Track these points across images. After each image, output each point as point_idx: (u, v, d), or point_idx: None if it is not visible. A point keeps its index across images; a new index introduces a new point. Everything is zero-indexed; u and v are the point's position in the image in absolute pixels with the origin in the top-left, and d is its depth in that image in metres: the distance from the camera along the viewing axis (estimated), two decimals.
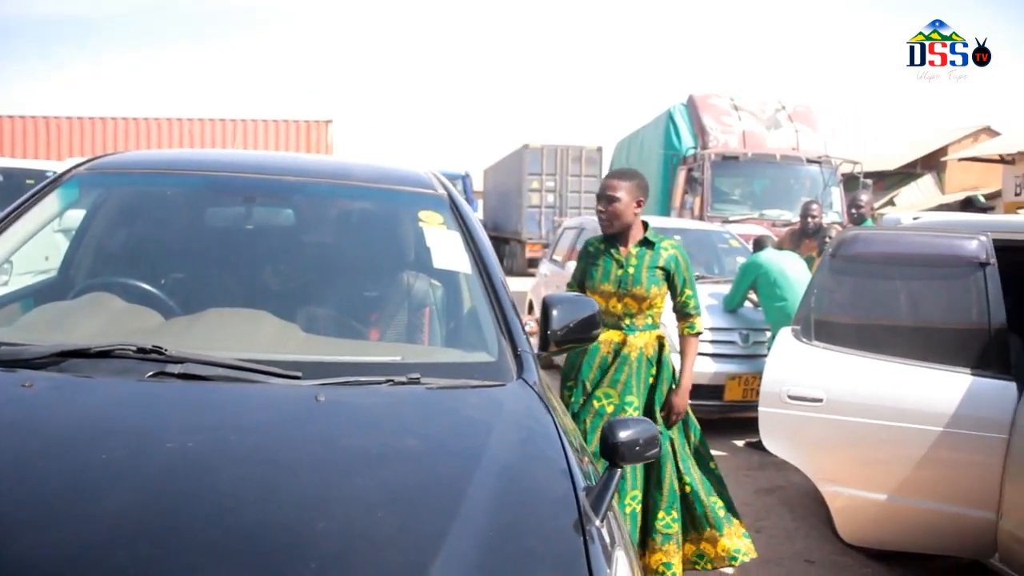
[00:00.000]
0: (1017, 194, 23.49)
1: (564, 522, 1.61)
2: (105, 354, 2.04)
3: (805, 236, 7.58)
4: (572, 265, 7.74)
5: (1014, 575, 3.48)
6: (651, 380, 3.63)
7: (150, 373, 1.97)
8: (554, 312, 2.54)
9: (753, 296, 6.49)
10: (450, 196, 3.02)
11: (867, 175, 13.72)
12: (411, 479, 1.70)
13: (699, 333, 3.74)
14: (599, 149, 23.56)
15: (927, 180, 26.91)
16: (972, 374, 3.58)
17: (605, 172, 20.67)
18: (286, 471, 1.66)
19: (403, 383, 2.07)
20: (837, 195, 12.83)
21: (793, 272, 6.12)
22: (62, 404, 1.91)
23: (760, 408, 3.81)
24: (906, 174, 27.00)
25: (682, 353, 3.73)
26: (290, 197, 2.97)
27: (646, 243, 3.66)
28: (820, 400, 3.64)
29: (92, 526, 1.45)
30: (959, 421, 3.52)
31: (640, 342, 3.61)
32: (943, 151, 26.75)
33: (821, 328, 3.79)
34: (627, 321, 3.61)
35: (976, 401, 3.53)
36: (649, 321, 3.64)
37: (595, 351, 3.59)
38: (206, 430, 1.80)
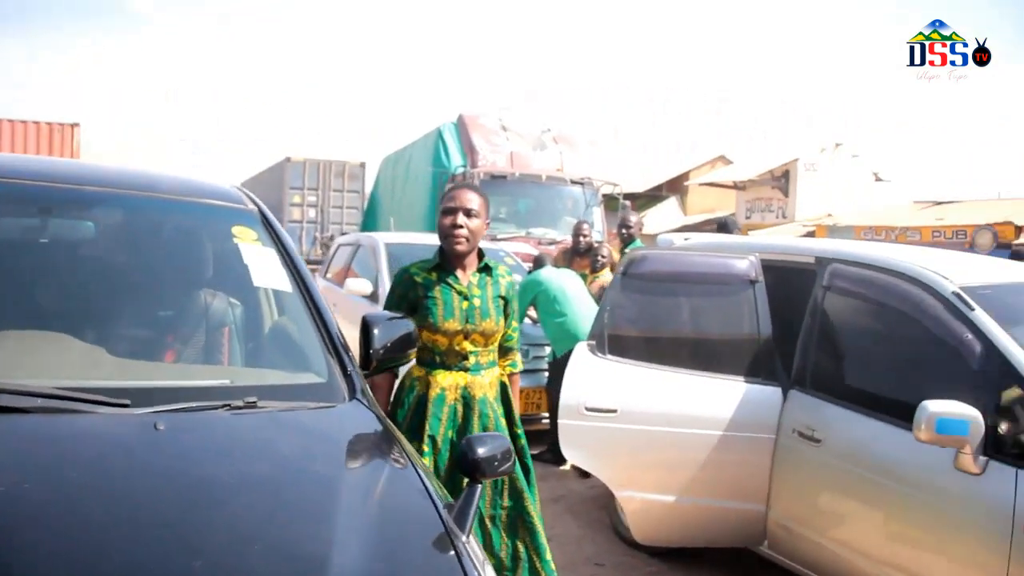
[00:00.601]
0: (747, 217, 25.87)
1: (434, 540, 1.64)
2: None
3: (577, 254, 7.96)
4: (354, 284, 7.70)
5: (780, 558, 3.85)
6: (499, 424, 3.23)
7: None
8: (376, 331, 2.54)
9: (532, 313, 6.72)
10: (260, 211, 2.94)
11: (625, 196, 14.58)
12: (276, 507, 1.66)
13: (519, 370, 3.46)
14: (362, 165, 23.41)
15: (671, 202, 29.00)
16: (745, 381, 3.93)
17: (369, 188, 20.74)
18: (145, 507, 1.57)
19: (240, 407, 2.00)
20: (599, 215, 13.56)
21: (572, 289, 6.40)
22: None
23: (560, 420, 3.98)
24: (652, 196, 28.97)
25: (513, 394, 3.39)
26: (91, 209, 2.77)
27: (485, 269, 3.25)
28: (614, 411, 3.85)
29: None
30: (734, 425, 3.85)
31: (487, 381, 3.19)
32: (685, 176, 28.97)
33: (614, 343, 4.02)
34: (473, 360, 3.15)
35: (748, 406, 3.87)
36: (492, 358, 3.24)
37: (440, 401, 3.12)
38: (42, 468, 1.66)
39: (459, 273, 3.19)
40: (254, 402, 2.03)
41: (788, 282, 4.12)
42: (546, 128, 14.17)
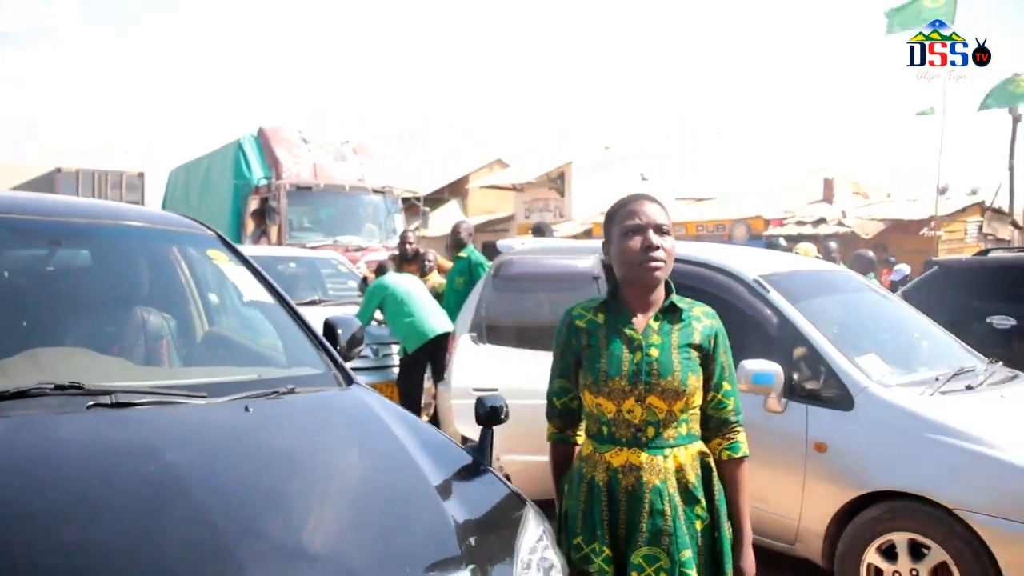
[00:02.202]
0: (527, 217, 27.39)
1: (469, 465, 2.43)
2: (22, 394, 2.28)
3: (404, 261, 8.67)
4: None
5: None
6: (699, 523, 2.30)
7: (88, 404, 2.28)
8: (340, 331, 3.20)
9: (378, 315, 7.37)
10: (217, 234, 3.49)
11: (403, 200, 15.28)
12: (362, 451, 2.36)
13: (746, 456, 2.41)
14: (141, 175, 22.74)
15: (453, 205, 30.11)
16: None
17: (149, 199, 20.26)
18: (280, 462, 2.21)
19: (286, 393, 2.62)
20: (400, 221, 14.28)
21: (416, 291, 7.13)
22: (40, 439, 2.16)
23: (452, 401, 4.71)
24: (435, 199, 29.98)
25: (730, 488, 2.39)
26: (88, 240, 3.21)
27: (672, 310, 2.36)
28: (496, 389, 4.63)
29: (169, 505, 1.88)
30: None
31: (671, 465, 2.28)
32: (466, 179, 30.18)
33: (491, 332, 4.81)
34: (651, 433, 2.27)
35: None
36: (685, 431, 2.32)
37: (615, 483, 2.28)
38: (192, 444, 2.22)
39: (638, 316, 2.35)
40: (293, 389, 2.65)
41: None
42: (345, 140, 14.72)
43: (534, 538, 2.21)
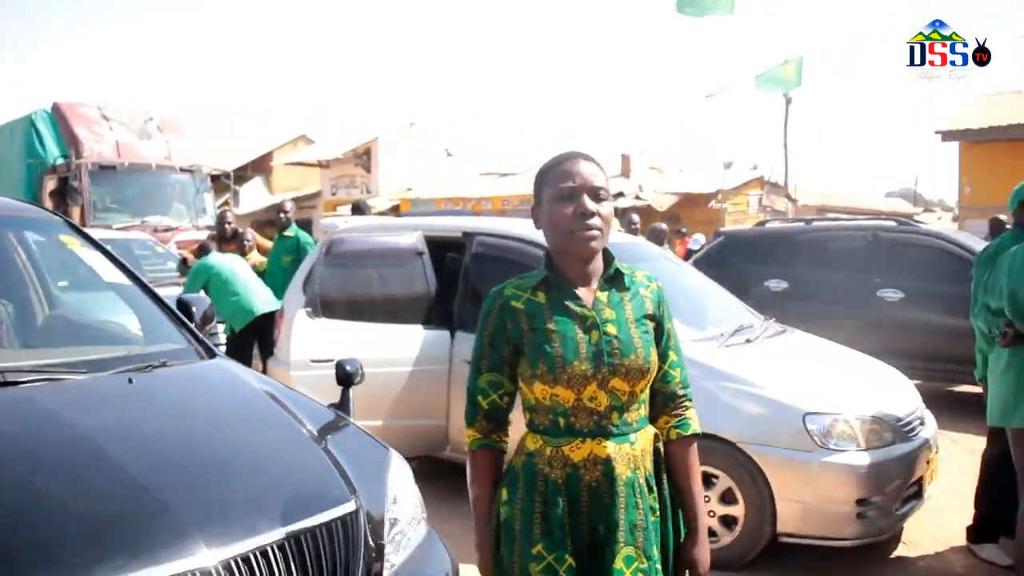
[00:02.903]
0: (333, 193, 27.27)
1: (332, 420, 2.76)
2: None
3: (224, 240, 8.70)
4: None
5: (462, 456, 5.21)
6: (653, 516, 2.02)
7: None
8: (194, 309, 3.44)
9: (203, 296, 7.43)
10: (64, 219, 3.62)
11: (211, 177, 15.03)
12: (254, 416, 2.65)
13: (699, 434, 2.15)
14: None
15: (257, 182, 29.48)
16: (424, 328, 5.21)
17: None
18: (178, 422, 2.47)
19: (160, 366, 2.85)
20: (209, 200, 14.05)
21: (241, 271, 7.25)
22: None
23: (292, 373, 4.95)
24: (238, 176, 29.26)
25: (680, 472, 2.10)
26: None
27: (616, 278, 2.09)
28: (331, 360, 4.92)
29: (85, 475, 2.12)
30: (419, 361, 5.12)
31: (638, 450, 2.01)
32: (270, 156, 29.58)
33: (325, 307, 5.09)
34: (615, 419, 1.98)
35: (427, 346, 5.17)
36: (643, 413, 2.06)
37: (575, 481, 1.96)
38: (96, 412, 2.43)
39: (581, 290, 2.04)
40: (165, 362, 2.88)
41: (446, 251, 5.49)
42: (149, 117, 14.27)
43: (399, 474, 2.59)
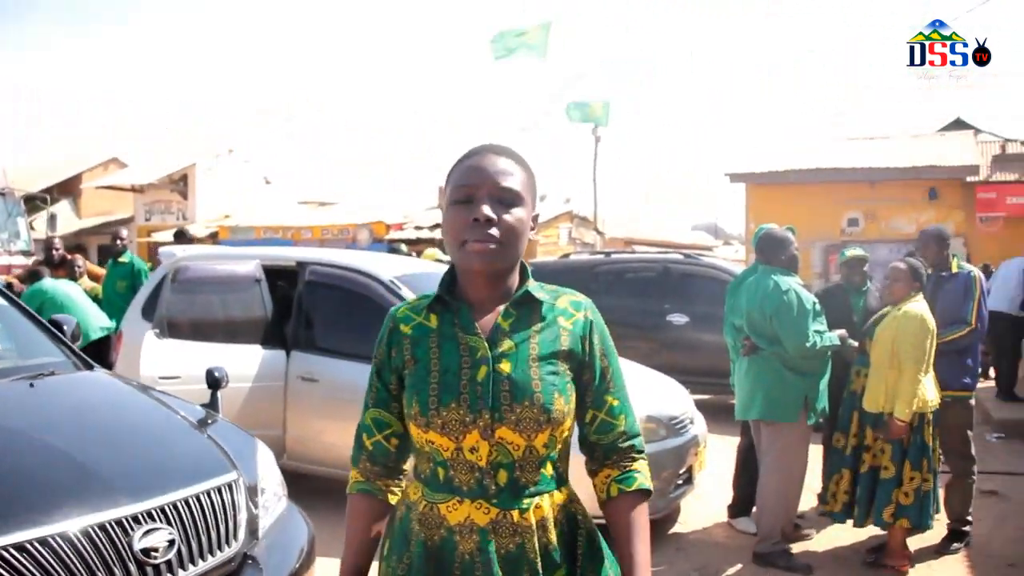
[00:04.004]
0: (147, 219, 26.73)
1: (225, 423, 3.37)
2: None
3: (51, 266, 8.86)
4: None
5: (297, 464, 5.81)
6: None
7: None
8: (65, 327, 3.94)
9: None
10: None
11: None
12: (142, 411, 3.21)
13: (648, 491, 1.73)
14: None
15: (64, 205, 28.43)
16: (262, 348, 5.79)
17: None
18: (87, 415, 3.02)
19: (49, 374, 3.36)
20: (23, 224, 13.82)
21: (76, 295, 7.52)
22: None
23: None
24: (43, 199, 28.12)
25: (621, 535, 1.68)
26: None
27: (527, 302, 1.69)
28: (179, 376, 5.42)
29: None
30: (259, 377, 5.69)
31: (534, 520, 1.61)
32: (79, 179, 28.60)
33: (172, 328, 5.58)
34: (502, 479, 1.60)
35: (265, 364, 5.75)
36: (549, 473, 1.66)
37: (449, 549, 1.59)
38: (14, 410, 2.93)
39: (481, 314, 1.67)
40: (53, 371, 3.40)
41: (282, 278, 6.11)
42: None
43: (265, 457, 3.24)
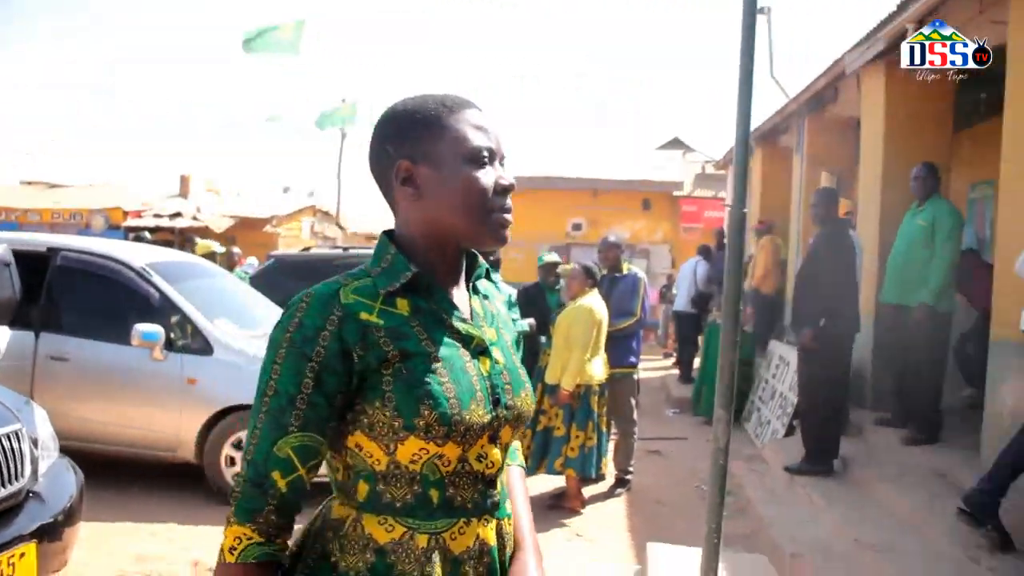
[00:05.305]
0: None
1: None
2: None
3: None
4: None
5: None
6: None
7: None
8: None
9: None
10: None
11: None
12: None
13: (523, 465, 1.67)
14: None
15: None
16: (11, 329, 6.07)
17: None
18: None
19: None
20: None
21: None
22: None
23: None
24: None
25: (519, 501, 1.56)
26: None
27: (479, 281, 1.52)
28: None
29: None
30: (8, 356, 5.98)
31: (511, 527, 1.48)
32: None
33: None
34: (499, 485, 1.42)
35: (14, 344, 6.04)
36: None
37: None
38: None
39: (455, 297, 1.42)
40: None
41: (36, 264, 6.40)
42: None
43: (40, 415, 3.78)
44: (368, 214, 27.25)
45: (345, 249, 11.29)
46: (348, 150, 26.35)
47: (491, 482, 1.38)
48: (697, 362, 10.35)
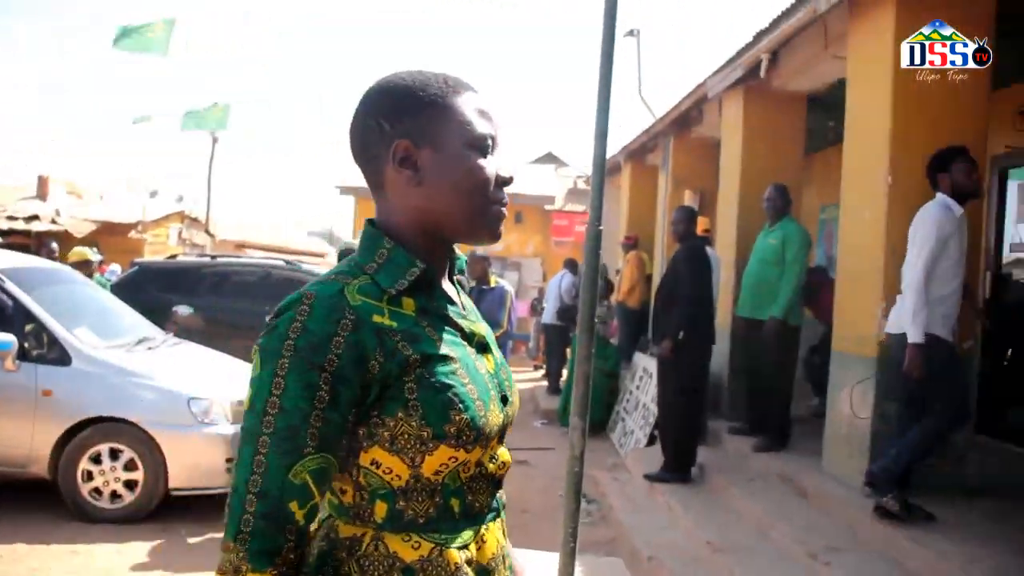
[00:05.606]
0: None
1: None
2: None
3: None
4: None
5: None
6: None
7: None
8: None
9: None
10: None
11: None
12: None
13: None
14: None
15: None
16: None
17: None
18: None
19: None
20: None
21: None
22: None
23: None
24: None
25: None
26: None
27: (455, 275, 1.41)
28: None
29: None
30: None
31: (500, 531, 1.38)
32: None
33: None
34: (500, 490, 1.36)
35: None
36: None
37: None
38: None
39: (444, 284, 1.33)
40: None
41: None
42: None
43: None
44: (240, 221, 26.66)
45: (213, 257, 11.06)
46: (220, 155, 25.70)
47: (500, 483, 1.32)
48: (565, 374, 10.58)
